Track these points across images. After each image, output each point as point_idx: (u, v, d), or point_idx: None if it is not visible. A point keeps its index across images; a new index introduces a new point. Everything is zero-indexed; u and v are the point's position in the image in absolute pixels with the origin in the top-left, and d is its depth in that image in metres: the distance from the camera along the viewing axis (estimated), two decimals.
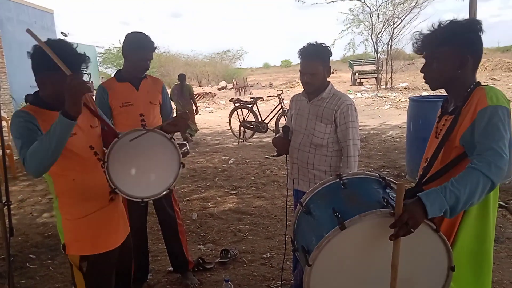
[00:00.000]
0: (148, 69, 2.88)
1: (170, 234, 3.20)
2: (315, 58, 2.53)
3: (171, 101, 9.16)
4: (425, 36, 1.70)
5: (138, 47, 2.78)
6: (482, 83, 1.68)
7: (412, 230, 1.40)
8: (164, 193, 2.11)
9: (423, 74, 1.76)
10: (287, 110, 2.75)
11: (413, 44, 1.75)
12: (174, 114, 3.19)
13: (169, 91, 7.31)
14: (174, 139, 2.12)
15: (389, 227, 1.41)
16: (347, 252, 1.51)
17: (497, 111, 1.50)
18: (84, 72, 1.88)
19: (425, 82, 1.77)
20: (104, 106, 2.83)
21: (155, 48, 2.86)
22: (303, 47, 2.56)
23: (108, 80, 3.02)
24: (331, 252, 1.47)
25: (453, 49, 1.63)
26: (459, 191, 1.42)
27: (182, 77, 10.28)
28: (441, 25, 1.66)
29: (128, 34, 2.82)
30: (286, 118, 2.92)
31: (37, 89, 1.90)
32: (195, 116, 10.40)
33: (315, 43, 2.56)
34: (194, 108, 10.23)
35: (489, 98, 1.54)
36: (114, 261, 2.09)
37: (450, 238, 1.61)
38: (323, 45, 2.56)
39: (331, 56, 2.59)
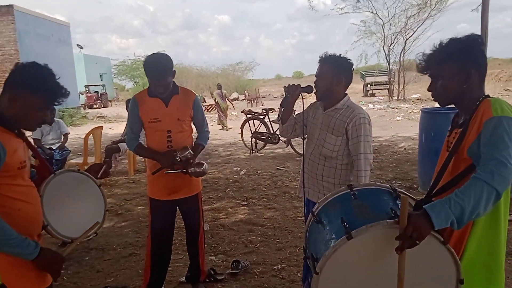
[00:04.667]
0: (165, 91, 2.80)
1: (191, 239, 3.23)
2: (326, 61, 2.55)
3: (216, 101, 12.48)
4: (428, 56, 1.74)
5: (148, 72, 2.74)
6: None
7: (417, 242, 1.42)
8: (91, 237, 2.13)
9: (431, 93, 1.80)
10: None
11: (417, 65, 1.79)
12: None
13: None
14: (101, 188, 2.23)
15: (395, 239, 1.42)
16: (354, 261, 1.52)
17: (501, 122, 1.52)
18: (56, 105, 1.78)
19: (433, 100, 1.80)
20: (135, 117, 2.90)
21: (169, 70, 2.74)
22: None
23: (141, 92, 2.98)
24: (338, 261, 1.49)
25: (456, 65, 1.67)
26: (464, 202, 1.43)
27: (219, 86, 15.76)
28: (443, 44, 1.70)
29: (147, 56, 2.79)
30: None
31: None
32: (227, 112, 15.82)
33: (335, 54, 2.57)
34: (231, 105, 16.86)
35: (494, 109, 1.56)
36: None
37: (460, 251, 1.61)
38: (343, 56, 2.56)
39: (352, 69, 2.59)
